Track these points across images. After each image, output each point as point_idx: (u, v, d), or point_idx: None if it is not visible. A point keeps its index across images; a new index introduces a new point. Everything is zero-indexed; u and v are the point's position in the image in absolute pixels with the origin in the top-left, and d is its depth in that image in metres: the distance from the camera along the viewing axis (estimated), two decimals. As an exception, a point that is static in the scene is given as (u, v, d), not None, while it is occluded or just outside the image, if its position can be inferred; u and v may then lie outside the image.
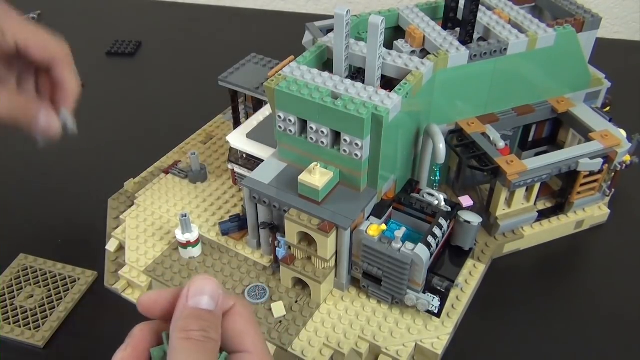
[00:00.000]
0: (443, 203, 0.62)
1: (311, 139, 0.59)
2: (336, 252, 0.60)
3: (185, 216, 0.65)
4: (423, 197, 0.63)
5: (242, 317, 0.35)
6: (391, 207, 0.63)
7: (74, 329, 0.64)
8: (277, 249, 0.64)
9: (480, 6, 0.67)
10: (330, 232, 0.57)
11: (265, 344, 0.36)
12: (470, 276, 0.66)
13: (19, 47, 0.49)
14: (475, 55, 0.64)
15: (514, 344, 0.62)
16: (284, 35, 1.05)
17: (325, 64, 0.65)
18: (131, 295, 0.68)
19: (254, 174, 0.63)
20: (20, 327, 0.63)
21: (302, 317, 0.61)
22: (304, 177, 0.58)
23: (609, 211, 0.75)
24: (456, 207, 0.62)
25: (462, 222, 0.61)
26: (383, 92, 0.56)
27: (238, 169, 0.75)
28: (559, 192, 0.73)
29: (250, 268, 0.67)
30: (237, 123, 0.84)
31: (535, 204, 0.72)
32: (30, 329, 0.63)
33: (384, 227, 0.58)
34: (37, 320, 0.64)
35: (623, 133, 0.70)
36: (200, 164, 0.79)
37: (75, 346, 0.63)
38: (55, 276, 0.69)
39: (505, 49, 0.65)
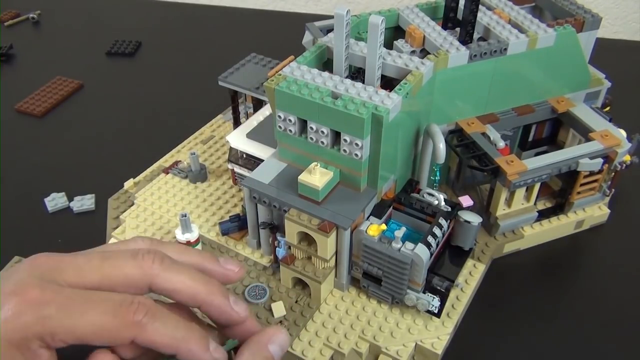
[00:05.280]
0: (443, 203, 0.62)
1: (311, 139, 0.59)
2: (336, 252, 0.60)
3: (185, 216, 0.65)
4: (423, 197, 0.63)
5: None
6: (391, 207, 0.63)
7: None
8: (277, 249, 0.64)
9: (480, 6, 0.67)
10: (330, 232, 0.57)
11: None
12: (470, 276, 0.66)
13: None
14: (475, 55, 0.64)
15: (514, 344, 0.62)
16: (284, 35, 1.05)
17: (325, 64, 0.65)
18: (131, 295, 0.68)
19: (254, 174, 0.63)
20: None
21: (302, 318, 0.61)
22: (304, 177, 0.58)
23: (609, 211, 0.75)
24: (456, 207, 0.62)
25: (462, 222, 0.61)
26: (383, 92, 0.56)
27: (238, 169, 0.75)
28: (559, 192, 0.73)
29: (250, 268, 0.67)
30: (237, 123, 0.84)
31: (535, 204, 0.72)
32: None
33: (384, 227, 0.58)
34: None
35: (623, 133, 0.70)
36: (200, 164, 0.79)
37: (72, 347, 0.63)
38: (55, 276, 0.69)
39: (505, 49, 0.65)
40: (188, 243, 0.67)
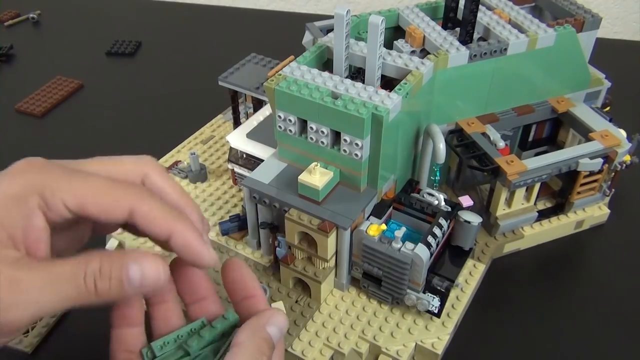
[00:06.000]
0: (443, 203, 0.62)
1: (311, 138, 0.59)
2: (336, 252, 0.60)
3: (185, 216, 0.65)
4: (423, 197, 0.63)
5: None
6: (391, 207, 0.63)
7: (69, 332, 0.64)
8: (277, 249, 0.64)
9: (480, 6, 0.67)
10: (330, 232, 0.57)
11: None
12: (470, 276, 0.66)
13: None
14: (475, 55, 0.64)
15: (514, 344, 0.62)
16: (284, 35, 1.05)
17: (325, 64, 0.65)
18: (131, 295, 0.68)
19: (254, 174, 0.63)
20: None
21: (302, 318, 0.61)
22: (304, 177, 0.58)
23: (609, 211, 0.75)
24: (456, 207, 0.62)
25: (462, 222, 0.61)
26: (383, 92, 0.56)
27: (238, 169, 0.75)
28: (559, 192, 0.73)
29: (250, 268, 0.67)
30: (237, 123, 0.84)
31: (535, 204, 0.72)
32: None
33: (384, 227, 0.58)
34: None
35: (623, 133, 0.70)
36: (200, 164, 0.79)
37: (67, 349, 0.63)
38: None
39: (505, 49, 0.65)
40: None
